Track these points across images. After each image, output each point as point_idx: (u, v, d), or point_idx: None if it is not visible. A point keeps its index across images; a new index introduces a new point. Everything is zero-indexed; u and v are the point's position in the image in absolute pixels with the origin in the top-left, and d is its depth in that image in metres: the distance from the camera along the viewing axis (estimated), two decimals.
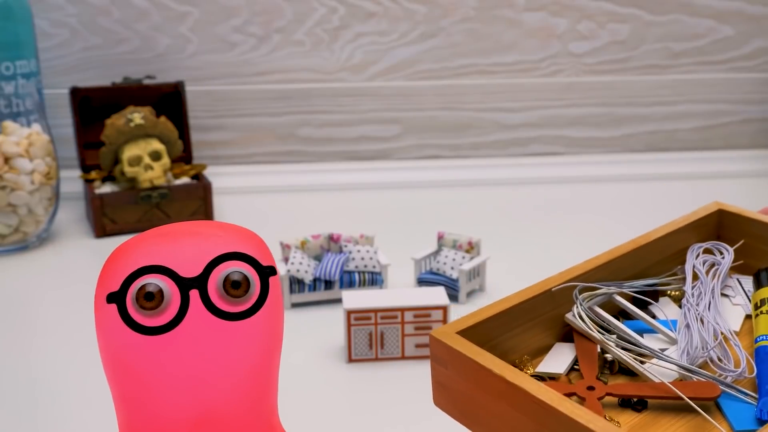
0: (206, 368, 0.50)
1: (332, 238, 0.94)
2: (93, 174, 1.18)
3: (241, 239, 0.53)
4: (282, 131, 1.40)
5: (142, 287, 0.50)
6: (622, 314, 0.62)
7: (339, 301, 0.92)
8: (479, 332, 0.53)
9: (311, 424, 0.70)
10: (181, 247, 0.52)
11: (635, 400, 0.52)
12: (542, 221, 1.19)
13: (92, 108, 1.22)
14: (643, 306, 0.63)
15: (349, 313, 0.79)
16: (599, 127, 1.45)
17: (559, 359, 0.57)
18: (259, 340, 0.52)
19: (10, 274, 1.00)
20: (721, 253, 0.64)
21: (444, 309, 0.79)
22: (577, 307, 0.57)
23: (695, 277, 0.62)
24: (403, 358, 0.81)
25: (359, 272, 0.92)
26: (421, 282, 0.94)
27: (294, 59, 1.37)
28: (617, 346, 0.55)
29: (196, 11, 1.33)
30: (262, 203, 1.29)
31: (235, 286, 0.51)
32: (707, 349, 0.53)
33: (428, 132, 1.42)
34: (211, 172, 1.29)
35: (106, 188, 1.17)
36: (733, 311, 0.62)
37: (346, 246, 0.93)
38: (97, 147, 1.18)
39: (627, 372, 0.56)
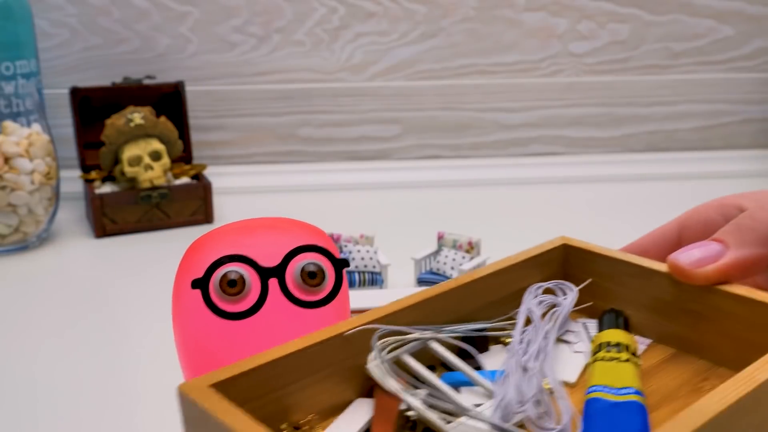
0: None
1: (332, 238, 0.94)
2: (93, 174, 1.18)
3: (314, 234, 0.57)
4: (282, 131, 1.40)
5: (225, 274, 0.53)
6: (447, 365, 0.52)
7: None
8: (249, 384, 0.43)
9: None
10: (261, 239, 0.56)
11: None
12: (542, 221, 1.19)
13: (92, 108, 1.22)
14: (469, 355, 0.52)
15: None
16: (599, 127, 1.45)
17: (354, 419, 0.47)
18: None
19: (10, 274, 1.00)
20: (564, 294, 0.56)
21: None
22: (375, 355, 0.47)
23: (528, 321, 0.53)
24: None
25: (359, 272, 0.92)
26: (421, 282, 0.94)
27: (294, 59, 1.37)
28: (426, 402, 0.46)
29: (196, 11, 1.33)
30: (262, 203, 1.29)
31: (311, 276, 0.54)
32: (524, 403, 0.45)
33: (428, 132, 1.42)
34: (211, 172, 1.29)
35: (106, 188, 1.17)
36: (571, 359, 0.53)
37: (346, 246, 0.93)
38: (97, 147, 1.18)
39: None
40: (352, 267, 0.92)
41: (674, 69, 1.44)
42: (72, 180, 1.24)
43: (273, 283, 0.54)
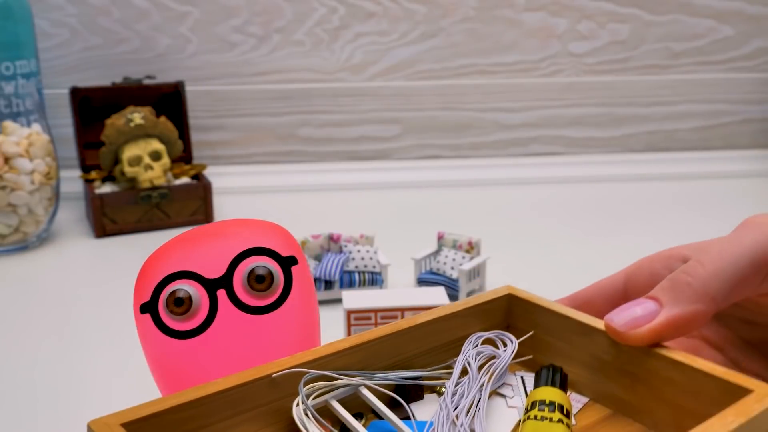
0: (245, 364, 0.50)
1: (332, 238, 0.94)
2: (93, 174, 1.18)
3: (263, 233, 0.55)
4: (282, 131, 1.40)
5: (172, 294, 0.52)
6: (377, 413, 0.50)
7: (339, 301, 0.92)
8: (163, 425, 0.41)
9: None
10: (205, 249, 0.53)
11: None
12: (542, 221, 1.19)
13: (92, 108, 1.22)
14: (398, 405, 0.50)
15: (349, 313, 0.79)
16: (599, 127, 1.45)
17: None
18: (292, 331, 0.53)
19: (10, 274, 1.00)
20: (504, 345, 0.53)
21: None
22: (300, 400, 0.45)
23: (465, 371, 0.51)
24: None
25: (359, 272, 0.92)
26: (421, 282, 0.94)
27: (294, 59, 1.37)
28: None
29: (196, 11, 1.33)
30: (262, 203, 1.29)
31: (259, 281, 0.52)
32: None
33: (428, 132, 1.42)
34: (211, 172, 1.29)
35: (106, 188, 1.17)
36: (504, 415, 0.51)
37: (346, 246, 0.93)
38: (97, 147, 1.18)
39: None
40: (351, 267, 0.92)
41: (674, 69, 1.44)
42: (72, 180, 1.24)
43: (222, 294, 0.52)
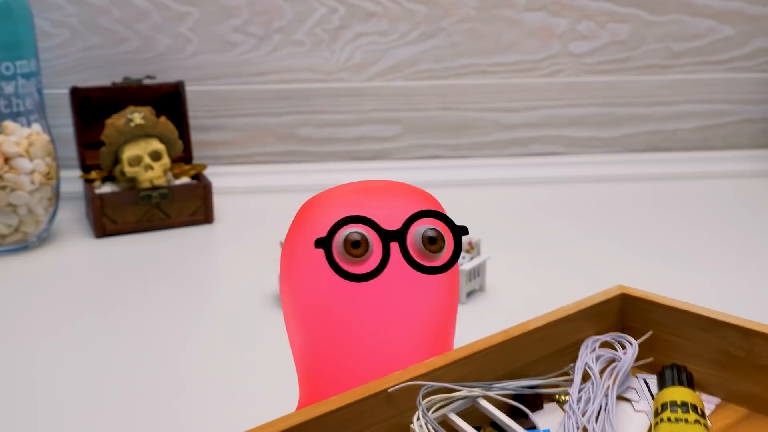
0: (398, 318, 0.52)
1: None
2: (93, 174, 1.18)
3: (430, 200, 0.57)
4: (282, 131, 1.40)
5: (349, 235, 0.52)
6: (496, 425, 0.49)
7: None
8: None
9: None
10: (381, 201, 0.55)
11: None
12: (542, 221, 1.19)
13: (92, 108, 1.22)
14: (521, 414, 0.49)
15: None
16: (599, 127, 1.45)
17: None
18: (445, 294, 0.54)
19: (10, 274, 1.00)
20: (624, 348, 0.52)
21: None
22: (420, 414, 0.44)
23: (586, 377, 0.50)
24: None
25: None
26: None
27: (294, 59, 1.37)
28: None
29: (196, 11, 1.33)
30: (262, 203, 1.29)
31: (431, 242, 0.53)
32: None
33: (428, 132, 1.42)
34: (211, 172, 1.29)
35: (106, 188, 1.17)
36: (633, 419, 0.49)
37: None
38: (97, 147, 1.18)
39: None
40: None
41: (674, 69, 1.44)
42: (72, 180, 1.24)
43: (394, 246, 0.53)
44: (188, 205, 1.17)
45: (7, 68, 1.14)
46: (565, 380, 0.50)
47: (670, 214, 1.22)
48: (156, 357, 0.78)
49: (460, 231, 0.55)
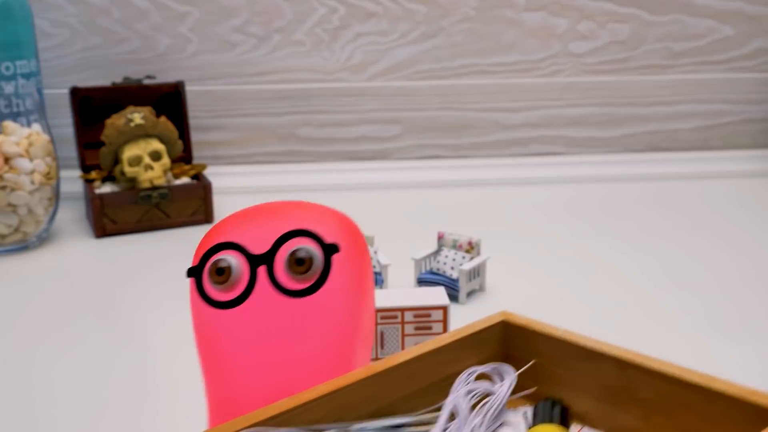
0: (278, 343, 0.51)
1: None
2: (93, 174, 1.18)
3: (317, 217, 0.55)
4: (282, 131, 1.40)
5: (215, 262, 0.52)
6: None
7: None
8: None
9: None
10: (254, 224, 0.55)
11: None
12: (542, 221, 1.19)
13: (92, 108, 1.22)
14: None
15: None
16: (599, 127, 1.45)
17: None
18: (326, 318, 0.52)
19: (10, 274, 1.00)
20: (502, 379, 0.48)
21: (444, 309, 0.79)
22: None
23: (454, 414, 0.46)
24: None
25: None
26: (421, 282, 0.94)
27: (294, 59, 1.37)
28: None
29: (196, 11, 1.33)
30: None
31: (299, 263, 0.52)
32: None
33: (428, 132, 1.42)
34: (211, 172, 1.29)
35: (106, 188, 1.17)
36: None
37: None
38: (97, 147, 1.18)
39: None
40: None
41: (674, 69, 1.44)
42: (72, 180, 1.24)
43: (263, 270, 0.53)
44: (188, 205, 1.17)
45: (7, 68, 1.14)
46: (437, 417, 0.46)
47: (670, 214, 1.22)
48: (156, 357, 0.78)
49: (329, 249, 0.53)
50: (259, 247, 0.53)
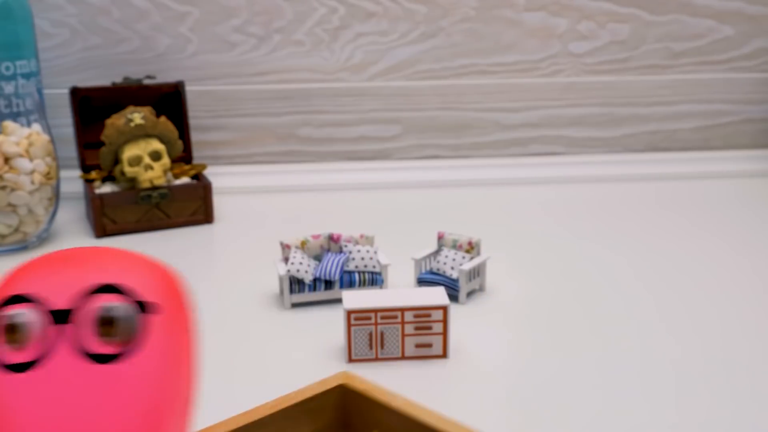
0: (76, 416, 0.43)
1: (332, 238, 0.94)
2: (93, 174, 1.18)
3: (130, 268, 0.47)
4: (282, 131, 1.40)
5: (7, 317, 0.44)
6: None
7: (339, 301, 0.92)
8: None
9: None
10: (57, 275, 0.46)
11: None
12: (542, 221, 1.19)
13: (92, 108, 1.22)
14: None
15: (349, 313, 0.79)
16: (599, 127, 1.45)
17: None
18: (136, 389, 0.44)
19: None
20: None
21: (444, 309, 0.79)
22: None
23: None
24: (403, 358, 0.81)
25: (359, 272, 0.92)
26: (421, 282, 0.94)
27: (294, 59, 1.37)
28: None
29: (196, 11, 1.33)
30: (262, 203, 1.29)
31: (107, 323, 0.44)
32: None
33: (428, 132, 1.42)
34: (211, 172, 1.29)
35: (106, 188, 1.17)
36: None
37: (346, 246, 0.93)
38: (97, 147, 1.18)
39: None
40: (352, 267, 0.92)
41: (674, 69, 1.44)
42: (72, 180, 1.24)
43: (64, 330, 0.44)
44: (188, 205, 1.17)
45: (7, 68, 1.14)
46: None
47: (670, 214, 1.22)
48: None
49: (144, 309, 0.45)
50: (61, 302, 0.45)
